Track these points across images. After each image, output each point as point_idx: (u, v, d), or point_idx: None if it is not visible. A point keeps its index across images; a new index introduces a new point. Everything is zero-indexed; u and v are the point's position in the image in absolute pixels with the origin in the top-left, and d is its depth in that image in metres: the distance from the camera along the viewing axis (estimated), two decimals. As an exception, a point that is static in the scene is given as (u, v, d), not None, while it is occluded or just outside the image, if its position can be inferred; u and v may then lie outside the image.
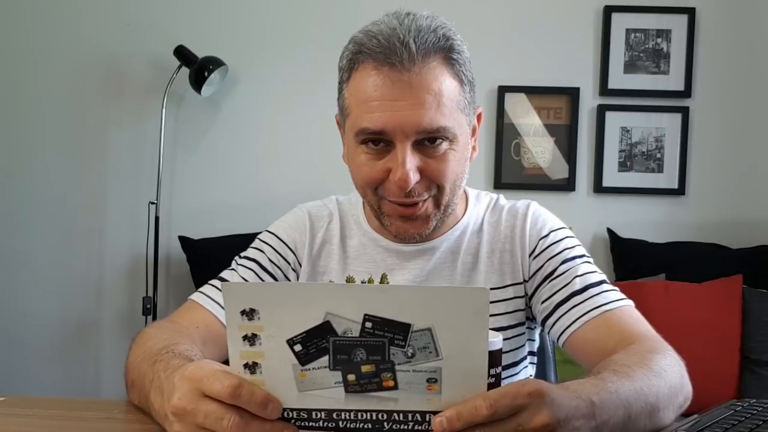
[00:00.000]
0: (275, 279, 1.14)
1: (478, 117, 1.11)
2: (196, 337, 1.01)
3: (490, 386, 0.66)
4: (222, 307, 1.04)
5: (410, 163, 0.98)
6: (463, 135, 1.04)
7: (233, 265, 1.16)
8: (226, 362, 0.68)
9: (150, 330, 0.99)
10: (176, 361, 0.80)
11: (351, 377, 0.64)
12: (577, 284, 1.04)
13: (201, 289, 1.12)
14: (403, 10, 1.02)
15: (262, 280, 1.13)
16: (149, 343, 0.91)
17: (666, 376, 0.82)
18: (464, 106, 1.03)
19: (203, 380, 0.66)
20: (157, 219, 2.75)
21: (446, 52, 1.00)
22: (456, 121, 1.01)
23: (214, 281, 1.13)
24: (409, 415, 0.66)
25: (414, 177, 0.99)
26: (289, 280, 1.16)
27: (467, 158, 1.07)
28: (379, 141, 1.00)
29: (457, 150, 1.02)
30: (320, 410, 0.66)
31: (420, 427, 0.66)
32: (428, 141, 1.00)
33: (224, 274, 1.15)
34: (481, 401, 0.63)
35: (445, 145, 1.01)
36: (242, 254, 1.17)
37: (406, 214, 1.04)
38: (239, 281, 1.12)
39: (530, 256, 1.10)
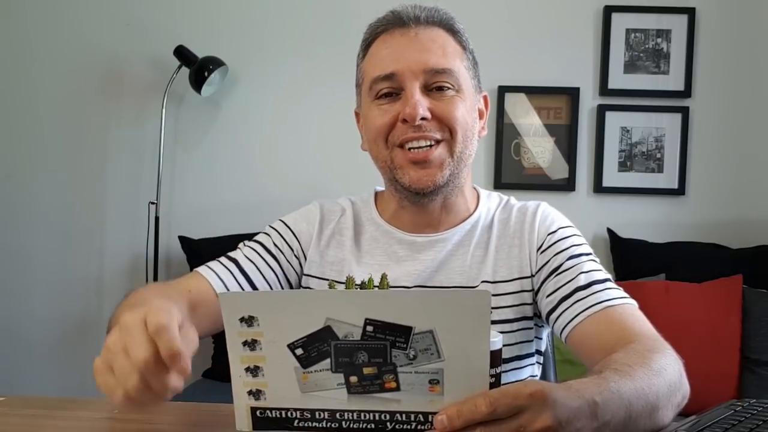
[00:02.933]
0: (277, 260, 1.17)
1: (485, 101, 1.18)
2: (184, 300, 1.04)
3: (491, 386, 0.66)
4: (221, 279, 1.11)
5: (418, 96, 1.05)
6: (469, 92, 1.10)
7: (240, 245, 1.20)
8: (220, 357, 0.68)
9: (141, 289, 1.04)
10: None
11: (353, 379, 0.65)
12: (582, 280, 1.05)
13: (207, 263, 1.16)
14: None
15: (264, 260, 1.16)
16: (134, 299, 0.98)
17: (665, 374, 0.83)
18: (468, 68, 1.11)
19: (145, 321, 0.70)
20: (157, 219, 2.75)
21: (448, 23, 1.11)
22: (461, 73, 1.09)
23: (221, 258, 1.17)
24: (412, 416, 0.66)
25: (423, 110, 1.04)
26: (291, 265, 1.18)
27: (475, 120, 1.12)
28: (390, 92, 1.07)
29: (465, 102, 1.09)
30: (324, 410, 0.66)
31: (423, 427, 0.66)
32: (436, 87, 1.07)
33: (231, 253, 1.18)
34: (480, 399, 0.63)
35: (452, 92, 1.08)
36: (250, 239, 1.21)
37: (418, 158, 1.07)
38: (243, 258, 1.15)
39: (538, 250, 1.12)
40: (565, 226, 1.14)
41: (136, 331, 0.69)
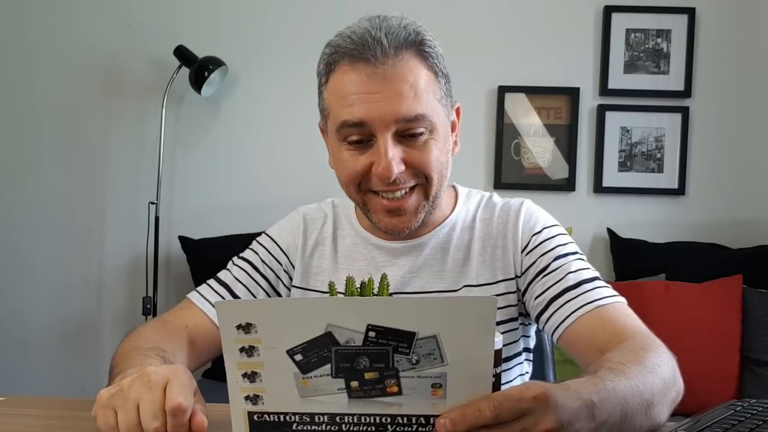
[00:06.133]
0: (267, 279, 1.18)
1: (457, 112, 1.12)
2: (184, 336, 1.07)
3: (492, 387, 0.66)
4: (214, 306, 1.09)
5: (392, 152, 1.00)
6: (443, 125, 1.05)
7: (229, 265, 1.20)
8: (219, 359, 0.68)
9: (141, 329, 1.05)
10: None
11: (354, 384, 0.64)
12: (571, 280, 1.05)
13: (198, 288, 1.17)
14: (374, 14, 1.04)
15: (254, 280, 1.17)
16: (139, 341, 0.98)
17: (660, 372, 0.83)
18: (441, 97, 1.05)
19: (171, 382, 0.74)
20: (157, 219, 2.75)
21: (418, 45, 1.02)
22: (434, 110, 1.03)
23: (211, 281, 1.18)
24: (413, 418, 0.66)
25: (397, 167, 1.00)
26: (281, 280, 1.19)
27: (449, 150, 1.08)
28: (361, 140, 1.02)
29: (438, 140, 1.04)
30: (323, 414, 0.66)
31: (424, 429, 0.66)
32: (409, 134, 1.01)
33: (220, 274, 1.19)
34: (485, 403, 0.63)
35: (425, 136, 1.02)
36: (239, 255, 1.21)
37: (392, 207, 1.04)
38: (233, 281, 1.16)
39: (523, 251, 1.11)
40: (550, 225, 1.12)
41: (155, 395, 0.73)
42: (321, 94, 1.07)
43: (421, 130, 1.01)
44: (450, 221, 1.15)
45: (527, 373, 1.20)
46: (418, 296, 1.08)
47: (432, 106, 1.02)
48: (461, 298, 0.65)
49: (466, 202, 1.18)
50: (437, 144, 1.03)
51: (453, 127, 1.10)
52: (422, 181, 1.04)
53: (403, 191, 1.04)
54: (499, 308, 1.10)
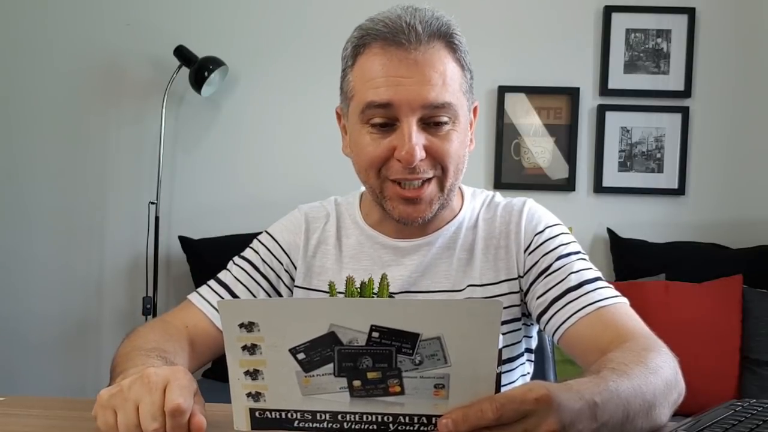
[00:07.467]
0: (267, 279, 1.17)
1: (475, 111, 1.13)
2: (184, 336, 1.07)
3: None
4: (215, 308, 1.11)
5: (416, 138, 1.00)
6: (464, 118, 1.06)
7: (229, 265, 1.19)
8: (219, 359, 0.69)
9: (142, 329, 1.05)
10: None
11: (356, 383, 0.65)
12: (573, 280, 1.04)
13: (198, 289, 1.17)
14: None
15: (254, 280, 1.16)
16: (140, 341, 0.98)
17: (662, 373, 0.83)
18: (465, 90, 1.06)
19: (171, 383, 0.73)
20: (157, 219, 2.75)
21: (448, 37, 1.04)
22: (459, 101, 1.04)
23: (211, 282, 1.17)
24: (415, 418, 0.66)
25: (420, 153, 1.00)
26: (282, 280, 1.17)
27: (467, 145, 1.09)
28: (384, 123, 1.02)
29: (459, 132, 1.05)
30: (325, 412, 0.66)
31: (426, 429, 0.66)
32: (433, 122, 1.02)
33: (220, 275, 1.18)
34: (487, 404, 0.63)
35: (448, 126, 1.03)
36: (240, 254, 1.20)
37: (409, 196, 1.04)
38: (233, 281, 1.16)
39: (525, 251, 1.10)
40: (552, 225, 1.12)
41: (155, 396, 0.72)
42: (345, 77, 1.07)
43: (445, 119, 1.02)
44: (457, 220, 1.14)
45: (529, 373, 1.19)
46: (422, 298, 1.08)
47: (457, 96, 1.03)
48: (466, 301, 0.65)
49: (472, 201, 1.18)
50: (458, 136, 1.04)
51: (470, 124, 1.11)
52: (439, 173, 1.04)
53: (421, 181, 1.04)
54: (502, 308, 1.09)
